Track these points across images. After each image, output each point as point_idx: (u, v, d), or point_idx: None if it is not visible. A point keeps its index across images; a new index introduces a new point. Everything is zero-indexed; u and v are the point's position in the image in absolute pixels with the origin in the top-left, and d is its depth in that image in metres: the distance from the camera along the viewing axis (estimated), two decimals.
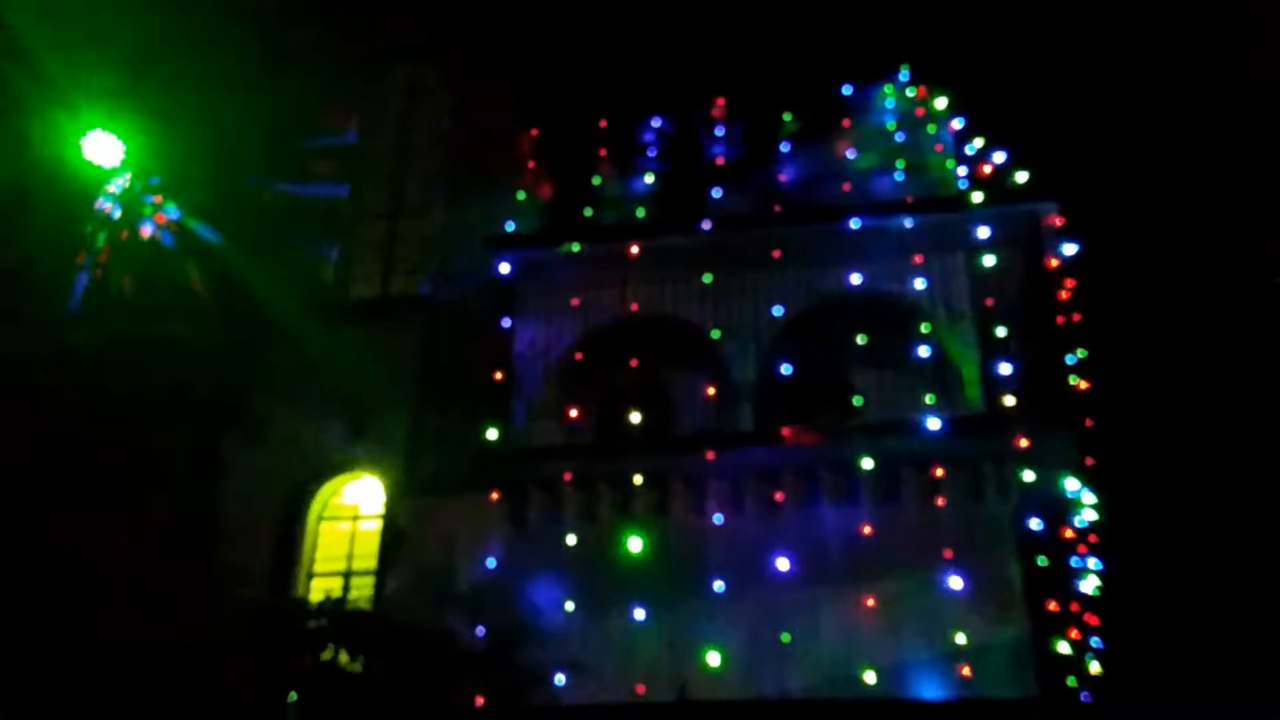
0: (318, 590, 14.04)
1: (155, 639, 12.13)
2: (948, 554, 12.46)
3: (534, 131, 15.97)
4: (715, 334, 14.15)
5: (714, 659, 12.44)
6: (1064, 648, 12.65)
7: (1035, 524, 12.80)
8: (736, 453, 13.40)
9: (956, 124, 15.07)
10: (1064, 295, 13.89)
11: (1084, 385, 13.45)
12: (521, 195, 15.49)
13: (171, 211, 14.86)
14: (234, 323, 14.98)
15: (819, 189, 14.80)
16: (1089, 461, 13.19)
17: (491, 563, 13.30)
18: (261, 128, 15.94)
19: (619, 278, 14.58)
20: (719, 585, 12.75)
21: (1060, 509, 13.26)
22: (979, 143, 14.73)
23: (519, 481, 13.75)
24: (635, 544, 13.13)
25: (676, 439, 14.06)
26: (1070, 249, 13.83)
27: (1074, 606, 13.15)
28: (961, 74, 15.48)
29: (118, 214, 14.62)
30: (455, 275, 15.39)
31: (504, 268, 14.79)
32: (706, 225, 14.36)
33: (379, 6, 17.48)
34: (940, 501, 12.87)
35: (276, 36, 16.99)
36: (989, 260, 13.80)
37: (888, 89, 15.55)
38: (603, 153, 15.64)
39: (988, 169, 14.44)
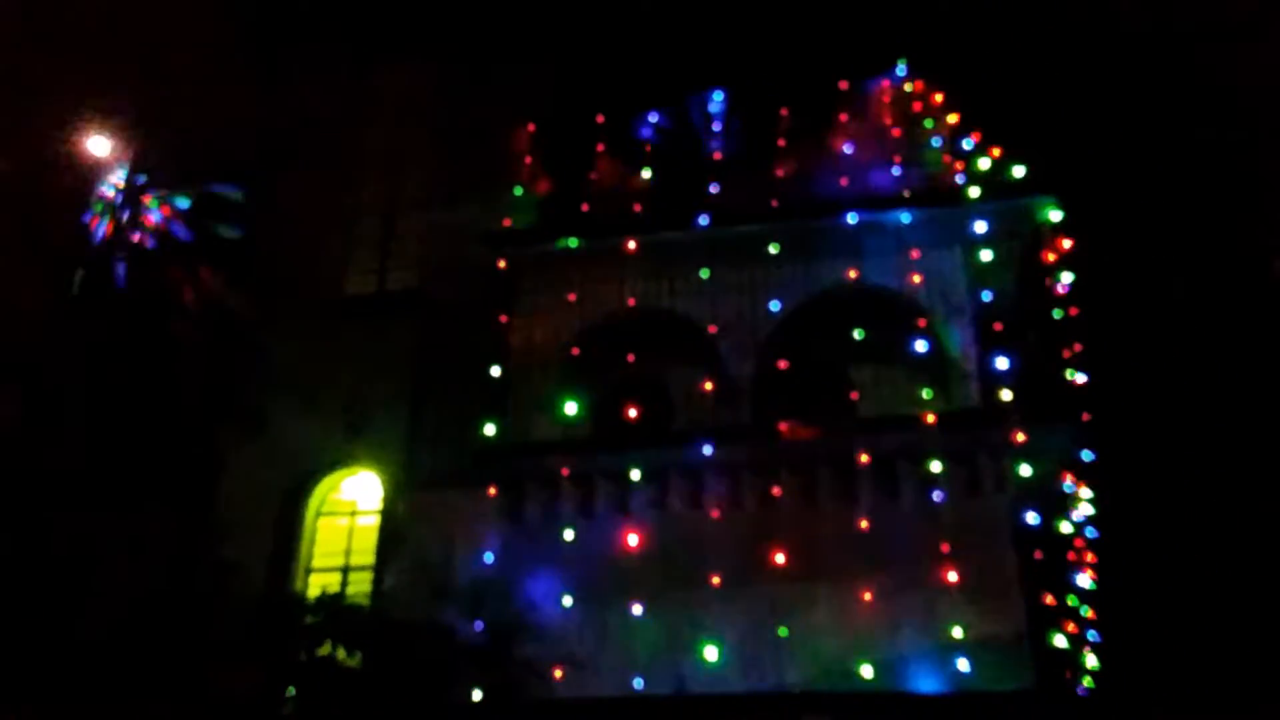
0: (316, 586, 14.06)
1: (153, 636, 12.16)
2: (944, 548, 12.49)
3: (531, 127, 15.96)
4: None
5: (711, 653, 12.47)
6: (1060, 641, 12.71)
7: (1032, 518, 12.82)
8: (734, 447, 13.42)
9: (953, 118, 15.04)
10: (1061, 290, 13.90)
11: (1080, 380, 13.46)
12: (519, 191, 15.48)
13: (170, 206, 14.87)
14: (232, 318, 14.99)
15: (816, 184, 14.80)
16: (1085, 456, 13.22)
17: (489, 558, 13.31)
18: (259, 124, 15.95)
19: (616, 273, 14.60)
20: (716, 580, 12.77)
21: (1056, 503, 13.29)
22: (976, 137, 14.72)
23: (517, 477, 13.78)
24: (633, 539, 13.16)
25: (674, 434, 14.04)
26: (1067, 244, 13.85)
27: (1070, 600, 13.19)
28: (959, 68, 15.46)
29: (116, 208, 14.64)
30: (453, 271, 15.39)
31: (501, 263, 14.80)
32: (704, 220, 14.37)
33: (376, 1, 17.47)
34: (937, 496, 12.88)
35: (274, 33, 17.02)
36: (986, 255, 13.81)
37: (885, 84, 15.54)
38: (600, 148, 15.63)
39: (985, 163, 14.44)
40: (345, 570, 14.52)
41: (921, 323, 13.74)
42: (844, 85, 15.44)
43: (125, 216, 14.64)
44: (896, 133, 15.09)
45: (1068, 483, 13.28)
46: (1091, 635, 13.21)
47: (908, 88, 15.48)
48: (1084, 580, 13.41)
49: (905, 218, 14.01)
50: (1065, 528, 13.44)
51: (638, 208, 14.94)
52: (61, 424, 14.37)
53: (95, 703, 11.61)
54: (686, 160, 15.36)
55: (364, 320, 15.56)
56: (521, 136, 15.97)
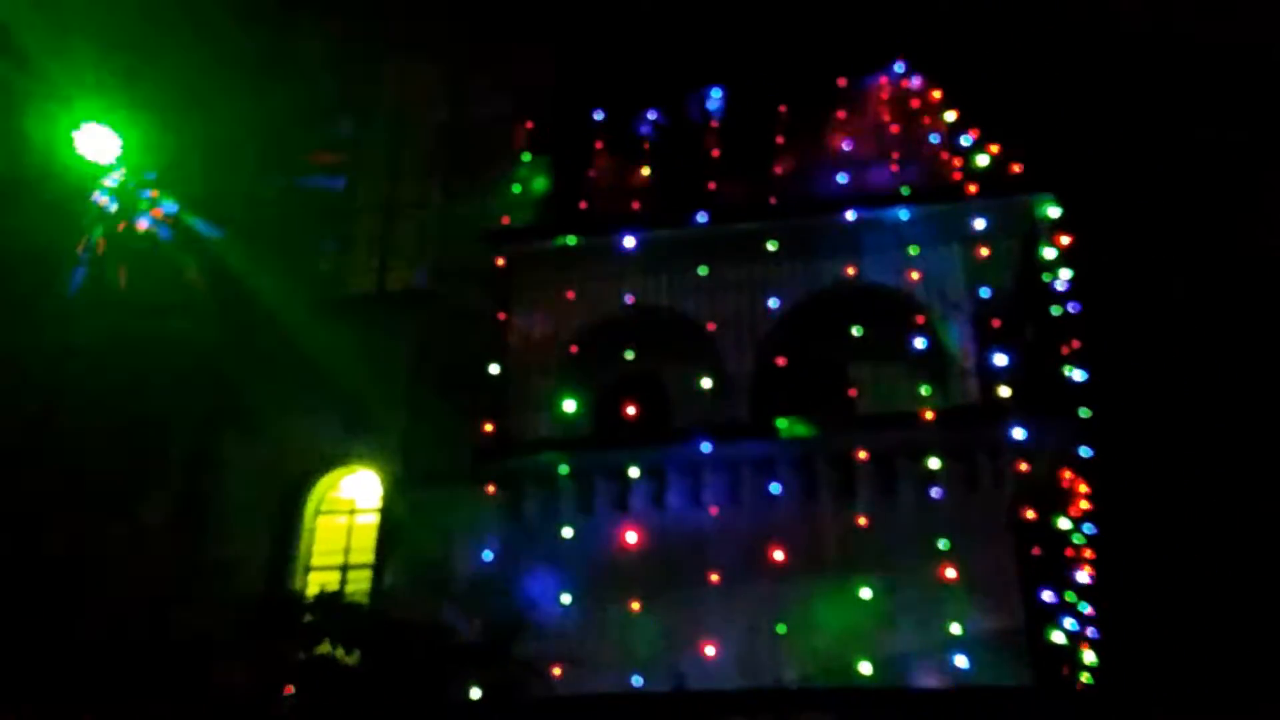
0: (315, 584, 14.04)
1: (152, 634, 12.16)
2: (943, 544, 12.49)
3: (529, 124, 15.96)
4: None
5: (710, 650, 12.47)
6: (1059, 637, 12.71)
7: (1030, 514, 12.83)
8: (732, 444, 13.41)
9: (952, 115, 15.04)
10: (1059, 286, 13.90)
11: (1079, 376, 13.45)
12: (517, 188, 15.50)
13: (168, 206, 14.86)
14: (230, 317, 14.99)
15: (815, 181, 14.80)
16: (1084, 452, 13.21)
17: (488, 555, 13.30)
18: (257, 122, 15.94)
19: (615, 271, 14.61)
20: (715, 577, 12.77)
21: (1055, 500, 13.29)
22: (974, 134, 14.72)
23: (516, 474, 13.77)
24: (632, 536, 13.17)
25: (673, 431, 14.05)
26: (1065, 240, 13.84)
27: (1068, 597, 13.20)
28: (957, 65, 15.47)
29: (114, 208, 14.62)
30: (451, 269, 15.38)
31: (500, 261, 14.80)
32: (702, 218, 14.37)
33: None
34: (935, 492, 12.88)
35: (272, 30, 17.00)
36: (985, 251, 13.82)
37: (883, 81, 15.54)
38: (599, 145, 15.64)
39: (983, 160, 14.44)
40: (344, 569, 14.51)
41: (920, 320, 13.75)
42: (842, 83, 15.45)
43: (124, 216, 14.63)
44: (895, 130, 15.11)
45: (1066, 479, 13.26)
46: (1090, 631, 13.22)
47: (906, 85, 15.49)
48: (1082, 576, 13.42)
49: (904, 215, 14.01)
50: (1063, 524, 13.44)
51: (636, 205, 14.97)
52: (61, 424, 14.37)
53: (95, 703, 11.61)
54: (685, 158, 15.37)
55: (363, 318, 15.54)
56: (520, 134, 15.98)
